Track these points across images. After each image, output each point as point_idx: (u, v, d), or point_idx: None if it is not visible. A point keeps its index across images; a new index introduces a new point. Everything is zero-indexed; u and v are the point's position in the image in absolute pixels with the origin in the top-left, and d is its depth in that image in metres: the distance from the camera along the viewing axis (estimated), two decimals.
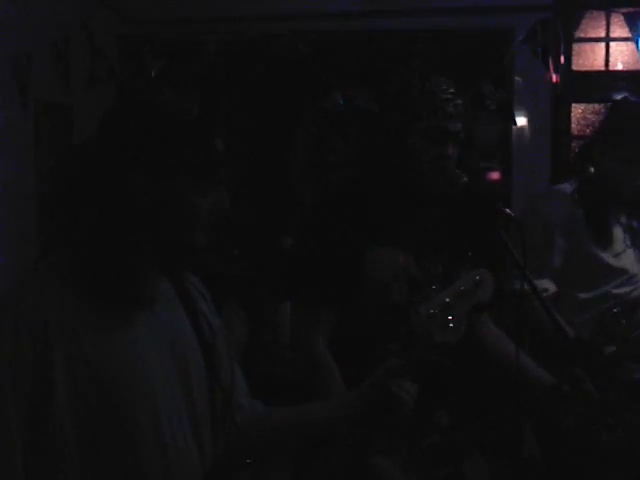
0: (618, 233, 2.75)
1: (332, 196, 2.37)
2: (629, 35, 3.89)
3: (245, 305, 3.65)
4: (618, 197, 2.72)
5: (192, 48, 3.86)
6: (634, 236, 2.79)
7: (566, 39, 3.93)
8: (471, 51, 3.96)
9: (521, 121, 4.06)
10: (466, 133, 2.15)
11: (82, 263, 1.30)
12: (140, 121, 1.31)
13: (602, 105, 4.09)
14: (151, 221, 1.32)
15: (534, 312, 2.21)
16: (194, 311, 1.48)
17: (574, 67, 4.11)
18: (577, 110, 4.18)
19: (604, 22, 4.14)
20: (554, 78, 3.98)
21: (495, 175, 4.17)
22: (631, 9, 3.86)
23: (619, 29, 4.09)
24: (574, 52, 4.12)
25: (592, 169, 2.74)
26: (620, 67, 4.16)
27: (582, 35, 4.13)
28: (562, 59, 3.92)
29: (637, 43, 3.93)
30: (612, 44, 4.15)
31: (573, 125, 4.17)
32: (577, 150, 3.52)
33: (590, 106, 4.13)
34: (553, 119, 4.13)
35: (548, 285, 2.65)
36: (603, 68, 4.16)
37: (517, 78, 4.02)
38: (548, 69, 3.84)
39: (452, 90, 2.11)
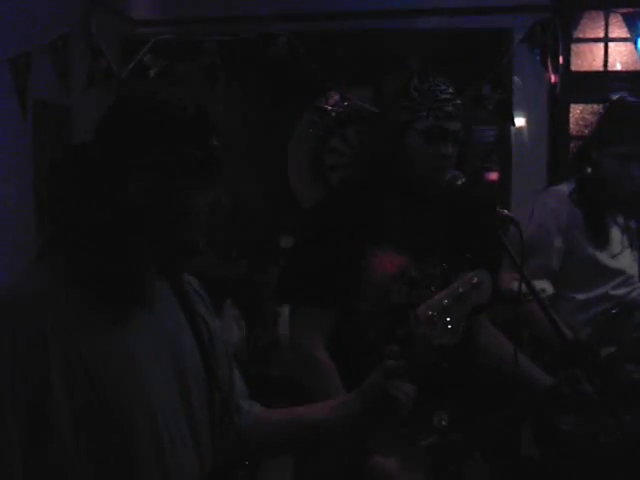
0: (616, 234, 2.75)
1: (331, 197, 2.37)
2: (628, 35, 3.89)
3: (244, 306, 3.66)
4: (616, 197, 2.72)
5: (191, 48, 3.86)
6: (632, 237, 2.79)
7: (565, 39, 3.93)
8: (469, 51, 3.97)
9: (519, 121, 4.06)
10: (465, 133, 2.15)
11: (80, 263, 1.30)
12: (136, 120, 1.32)
13: (600, 105, 4.08)
14: (150, 221, 1.32)
15: (532, 313, 2.22)
16: (192, 312, 1.48)
17: (573, 67, 4.11)
18: (575, 110, 4.18)
19: (603, 22, 4.15)
20: (552, 78, 3.98)
21: (493, 175, 4.18)
22: (630, 9, 3.85)
23: (618, 29, 4.09)
24: (573, 52, 4.12)
25: (589, 169, 2.74)
26: (619, 67, 4.16)
27: (581, 35, 4.14)
28: (561, 59, 3.90)
29: (636, 43, 3.93)
30: (611, 44, 4.15)
31: (571, 125, 4.17)
32: (575, 150, 3.51)
33: (588, 106, 4.14)
34: (551, 119, 4.13)
35: (546, 286, 2.65)
36: (602, 68, 4.17)
37: (515, 78, 4.02)
38: (546, 69, 3.83)
39: (451, 90, 2.11)
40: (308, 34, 3.97)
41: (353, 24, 4.14)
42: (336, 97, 3.88)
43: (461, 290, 1.56)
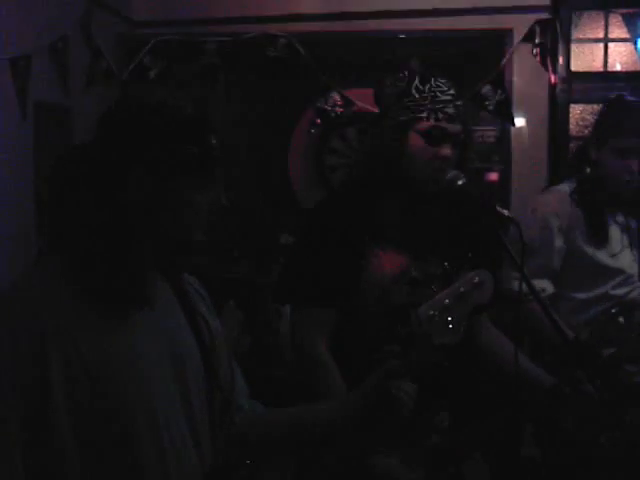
0: (616, 233, 2.75)
1: (332, 197, 2.37)
2: (628, 36, 3.89)
3: (244, 306, 3.65)
4: (616, 195, 2.72)
5: (191, 49, 3.86)
6: (632, 236, 2.79)
7: (564, 40, 3.94)
8: (469, 52, 3.97)
9: (520, 122, 4.06)
10: (465, 134, 2.16)
11: (80, 263, 1.30)
12: (135, 120, 1.33)
13: (600, 106, 4.09)
14: (150, 220, 1.33)
15: (532, 313, 2.22)
16: (192, 312, 1.48)
17: (572, 68, 4.11)
18: (575, 111, 4.18)
19: (602, 23, 4.14)
20: (552, 79, 3.99)
21: (493, 176, 4.17)
22: (629, 10, 3.86)
23: (617, 30, 4.09)
24: (572, 53, 4.12)
25: (589, 168, 2.74)
26: (619, 68, 4.16)
27: (580, 36, 4.13)
28: (560, 60, 3.92)
29: (635, 44, 3.93)
30: (611, 45, 4.15)
31: (571, 126, 4.16)
32: (575, 149, 3.51)
33: (589, 107, 4.13)
34: (551, 120, 4.12)
35: (546, 285, 2.65)
36: (601, 69, 4.16)
37: (515, 79, 4.02)
38: (546, 70, 3.85)
39: (452, 92, 2.11)
40: (308, 35, 3.97)
41: (353, 25, 4.14)
42: (336, 97, 3.88)
43: (462, 290, 1.56)
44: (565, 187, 2.79)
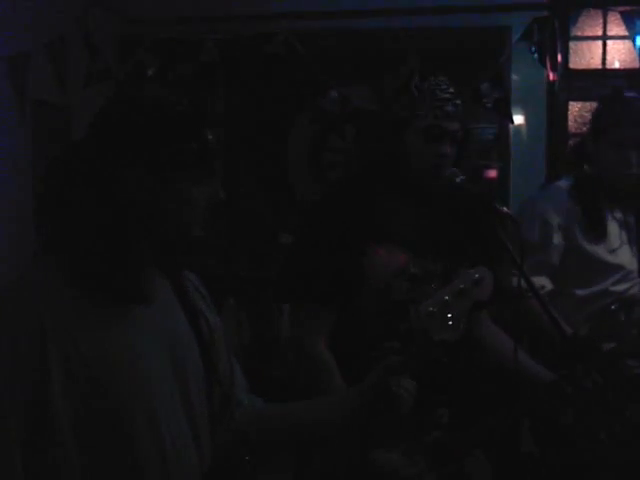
0: (614, 229, 2.75)
1: (330, 194, 2.37)
2: (626, 33, 3.89)
3: (245, 304, 3.65)
4: (614, 189, 2.72)
5: (189, 47, 3.86)
6: (630, 232, 2.79)
7: (563, 37, 3.94)
8: (468, 50, 3.97)
9: (518, 119, 4.06)
10: (464, 133, 2.16)
11: (79, 261, 1.30)
12: (130, 116, 1.33)
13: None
14: (147, 216, 1.33)
15: (532, 310, 2.22)
16: (192, 309, 1.48)
17: (571, 65, 4.11)
18: (574, 108, 4.18)
19: (601, 20, 4.15)
20: (551, 76, 3.99)
21: (492, 173, 4.18)
22: (628, 7, 3.86)
23: (616, 27, 4.09)
24: (571, 50, 4.12)
25: (587, 164, 2.74)
26: (617, 65, 4.17)
27: (579, 33, 4.14)
28: (559, 57, 3.92)
29: (634, 41, 3.93)
30: (609, 42, 4.16)
31: (570, 123, 4.17)
32: (572, 145, 3.51)
33: (587, 104, 4.14)
34: (550, 117, 4.13)
35: (545, 282, 2.65)
36: (600, 66, 4.17)
37: (514, 76, 4.02)
38: (545, 67, 3.84)
39: (451, 90, 2.12)
40: (307, 33, 3.97)
41: (352, 22, 4.14)
42: (335, 95, 3.88)
43: (462, 286, 1.56)
44: (563, 183, 2.80)
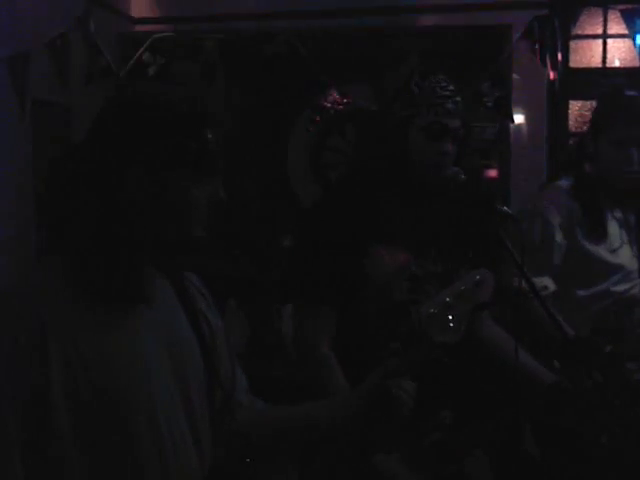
0: (615, 229, 2.75)
1: (331, 194, 2.37)
2: (626, 32, 3.88)
3: (246, 305, 3.65)
4: (614, 189, 2.72)
5: (190, 46, 3.86)
6: (630, 231, 2.78)
7: (563, 36, 3.93)
8: (468, 48, 3.96)
9: (519, 118, 4.06)
10: (465, 131, 2.16)
11: (79, 262, 1.30)
12: (130, 116, 1.33)
13: None
14: (148, 216, 1.33)
15: (533, 310, 2.21)
16: (193, 310, 1.48)
17: (571, 64, 4.11)
18: (574, 107, 4.18)
19: (601, 19, 4.15)
20: (551, 75, 3.99)
21: (493, 173, 4.18)
22: (628, 6, 3.85)
23: (616, 26, 4.09)
24: (571, 49, 4.12)
25: (587, 163, 2.74)
26: (617, 64, 4.17)
27: (579, 32, 4.13)
28: (559, 56, 3.91)
29: (634, 40, 3.92)
30: (609, 41, 4.15)
31: (570, 122, 4.17)
32: (572, 144, 3.51)
33: (587, 103, 4.13)
34: (550, 116, 4.13)
35: (547, 283, 2.65)
36: (600, 65, 4.17)
37: (515, 75, 4.02)
38: (545, 66, 3.84)
39: (452, 87, 2.12)
40: (307, 32, 3.97)
41: (353, 21, 4.13)
42: (335, 95, 3.88)
43: (463, 288, 1.56)
44: (563, 183, 2.79)
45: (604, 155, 2.69)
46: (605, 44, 4.15)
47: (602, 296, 2.70)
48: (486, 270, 1.60)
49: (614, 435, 1.99)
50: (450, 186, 2.08)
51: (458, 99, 2.12)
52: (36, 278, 1.32)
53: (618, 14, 3.92)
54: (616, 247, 2.73)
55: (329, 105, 3.91)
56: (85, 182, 1.32)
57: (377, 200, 2.15)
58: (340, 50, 4.07)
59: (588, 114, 4.08)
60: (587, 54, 4.20)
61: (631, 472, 2.04)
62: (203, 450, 1.43)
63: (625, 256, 2.75)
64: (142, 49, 3.85)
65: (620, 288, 2.72)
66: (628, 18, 3.82)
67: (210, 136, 1.36)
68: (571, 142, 4.05)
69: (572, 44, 4.13)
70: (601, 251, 2.71)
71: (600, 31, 4.15)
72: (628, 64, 4.12)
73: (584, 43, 4.17)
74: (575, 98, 4.16)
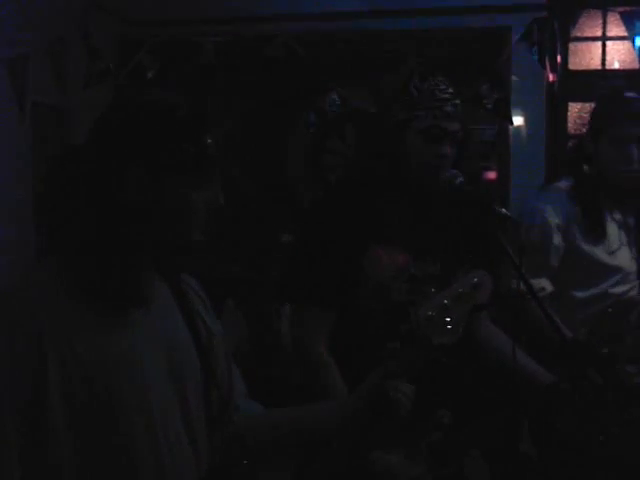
0: (613, 230, 2.75)
1: (330, 196, 2.38)
2: (625, 34, 3.89)
3: (244, 306, 3.65)
4: (614, 190, 2.72)
5: (189, 49, 3.86)
6: (629, 233, 2.78)
7: (562, 38, 3.93)
8: (468, 51, 3.97)
9: (518, 120, 4.05)
10: (464, 133, 2.16)
11: (78, 263, 1.31)
12: (130, 120, 1.33)
13: None
14: (147, 220, 1.33)
15: (531, 311, 2.21)
16: (190, 312, 1.48)
17: (570, 66, 4.11)
18: (574, 109, 4.18)
19: (600, 21, 4.14)
20: (551, 77, 3.99)
21: (492, 174, 4.18)
22: (627, 8, 3.85)
23: (615, 28, 4.09)
24: (570, 51, 4.12)
25: (586, 165, 2.74)
26: (617, 66, 4.16)
27: (578, 34, 4.13)
28: (559, 58, 3.92)
29: (634, 42, 3.93)
30: (609, 43, 4.15)
31: (570, 124, 4.16)
32: (572, 145, 3.51)
33: (587, 105, 4.12)
34: (550, 118, 4.12)
35: (545, 284, 2.65)
36: (600, 67, 4.16)
37: (514, 77, 4.02)
38: (545, 68, 3.84)
39: (451, 90, 2.12)
40: (306, 34, 3.97)
41: (351, 24, 4.13)
42: (334, 97, 3.88)
43: (461, 290, 1.56)
44: (563, 184, 2.79)
45: (603, 154, 2.69)
46: (604, 46, 4.15)
47: (600, 298, 2.70)
48: (484, 272, 1.60)
49: (611, 436, 1.99)
50: (448, 188, 2.08)
51: (457, 102, 2.12)
52: (34, 278, 1.33)
53: (617, 16, 3.93)
54: (615, 249, 2.73)
55: (328, 107, 3.91)
56: (85, 184, 1.32)
57: (376, 202, 2.15)
58: (339, 53, 4.07)
59: (587, 116, 4.07)
60: (586, 56, 4.19)
61: (628, 472, 2.04)
62: (199, 452, 1.44)
63: (624, 258, 2.75)
64: (141, 52, 3.85)
65: (618, 290, 2.72)
66: (627, 20, 3.83)
67: (209, 141, 1.36)
68: (570, 144, 4.05)
69: (571, 46, 4.13)
70: (599, 253, 2.71)
71: (599, 33, 4.15)
72: (627, 66, 4.12)
73: (583, 45, 4.17)
74: (574, 100, 4.15)
